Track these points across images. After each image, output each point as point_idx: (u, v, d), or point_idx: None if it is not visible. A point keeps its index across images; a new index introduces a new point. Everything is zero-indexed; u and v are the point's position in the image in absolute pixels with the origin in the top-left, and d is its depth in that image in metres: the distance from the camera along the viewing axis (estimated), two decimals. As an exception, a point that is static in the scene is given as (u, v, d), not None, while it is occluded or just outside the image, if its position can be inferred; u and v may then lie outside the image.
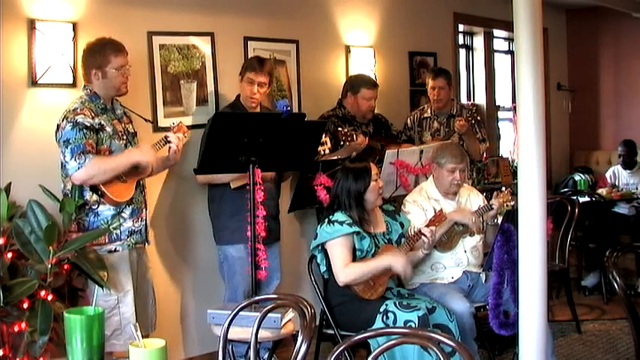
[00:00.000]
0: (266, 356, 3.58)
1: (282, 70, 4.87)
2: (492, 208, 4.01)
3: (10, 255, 3.11)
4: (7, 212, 3.20)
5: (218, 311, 3.37)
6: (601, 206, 6.06)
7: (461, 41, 6.82)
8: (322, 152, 4.21)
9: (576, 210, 5.13)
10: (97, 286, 2.97)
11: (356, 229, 3.60)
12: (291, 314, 3.31)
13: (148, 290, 3.68)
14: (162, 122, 4.11)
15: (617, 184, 6.49)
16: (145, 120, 3.85)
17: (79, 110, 3.36)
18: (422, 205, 4.04)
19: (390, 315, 3.45)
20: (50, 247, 3.08)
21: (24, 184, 3.39)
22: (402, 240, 3.80)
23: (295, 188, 4.46)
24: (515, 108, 3.32)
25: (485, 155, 5.50)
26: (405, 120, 5.33)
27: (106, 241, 3.43)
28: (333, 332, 3.72)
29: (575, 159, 7.79)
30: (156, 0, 4.21)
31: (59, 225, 3.23)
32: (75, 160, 3.27)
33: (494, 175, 5.73)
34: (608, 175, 6.64)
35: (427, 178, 4.29)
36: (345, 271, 3.55)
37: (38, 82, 3.63)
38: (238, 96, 4.26)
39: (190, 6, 4.36)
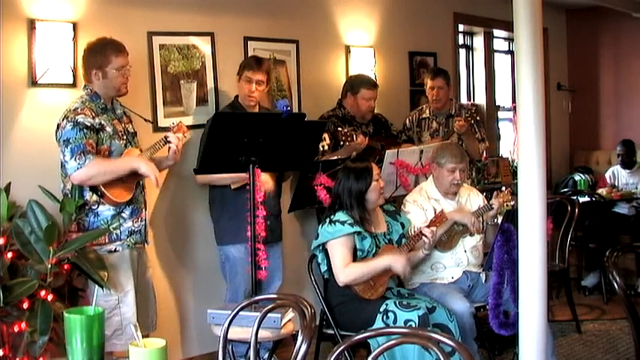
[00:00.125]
0: (266, 356, 3.58)
1: (282, 70, 4.87)
2: (492, 208, 4.01)
3: (10, 255, 3.11)
4: (7, 212, 3.20)
5: (218, 311, 3.37)
6: (601, 206, 6.06)
7: (461, 41, 6.82)
8: (321, 148, 4.21)
9: (576, 210, 5.13)
10: (97, 286, 2.97)
11: (357, 229, 3.60)
12: (291, 314, 3.31)
13: (147, 290, 3.68)
14: (162, 122, 4.11)
15: (616, 184, 6.50)
16: (145, 120, 3.86)
17: (79, 110, 3.36)
18: (422, 205, 4.04)
19: (391, 315, 3.45)
20: (50, 247, 3.08)
21: (24, 184, 3.39)
22: (403, 240, 3.80)
23: (295, 188, 4.46)
24: (515, 108, 3.32)
25: (485, 155, 5.50)
26: (403, 121, 5.33)
27: (106, 241, 3.43)
28: (333, 332, 3.72)
29: (575, 159, 7.79)
30: (156, 0, 4.21)
31: (59, 225, 3.23)
32: (75, 159, 3.27)
33: (494, 175, 5.73)
34: (607, 175, 6.64)
35: (427, 178, 4.29)
36: (345, 271, 3.55)
37: (38, 82, 3.63)
38: (236, 97, 4.27)
39: (190, 6, 4.36)
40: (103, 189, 3.36)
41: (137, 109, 3.78)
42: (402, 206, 4.10)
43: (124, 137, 3.54)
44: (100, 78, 3.46)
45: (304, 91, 4.99)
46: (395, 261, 3.59)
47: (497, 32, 7.12)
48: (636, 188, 6.38)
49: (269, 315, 2.66)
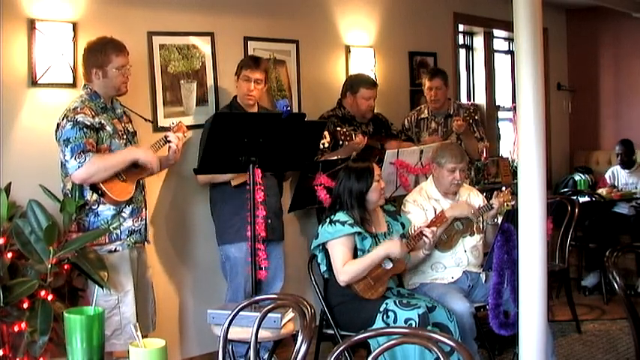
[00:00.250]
0: (266, 356, 3.57)
1: (282, 70, 4.87)
2: (492, 208, 4.01)
3: (10, 255, 3.11)
4: (7, 212, 3.21)
5: (218, 311, 3.37)
6: (601, 206, 6.06)
7: (461, 41, 6.82)
8: (322, 146, 4.21)
9: (576, 210, 5.13)
10: (97, 286, 2.97)
11: (357, 229, 3.60)
12: (291, 314, 3.31)
13: (147, 290, 3.69)
14: (162, 122, 4.11)
15: (616, 184, 6.50)
16: (145, 120, 3.86)
17: (79, 109, 3.36)
18: (422, 205, 4.05)
19: (391, 314, 3.45)
20: (50, 247, 3.08)
21: (24, 184, 3.39)
22: (404, 240, 3.79)
23: (295, 188, 4.47)
24: (515, 108, 3.31)
25: (485, 155, 5.50)
26: (402, 121, 5.32)
27: (106, 241, 3.43)
28: (333, 332, 3.72)
29: (575, 159, 7.79)
30: (156, 0, 4.21)
31: (59, 225, 3.23)
32: (75, 159, 3.27)
33: (494, 175, 5.73)
34: (607, 175, 6.64)
35: (427, 178, 4.29)
36: (345, 269, 3.55)
37: (38, 82, 3.63)
38: (235, 97, 4.27)
39: (190, 6, 4.36)
40: (103, 187, 3.36)
41: (137, 108, 3.78)
42: (402, 206, 4.10)
43: (124, 136, 3.55)
44: (101, 77, 3.46)
45: (304, 91, 4.99)
46: (390, 247, 3.59)
47: (497, 32, 7.12)
48: (636, 188, 6.38)
49: (269, 315, 2.66)
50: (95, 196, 3.40)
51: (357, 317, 3.58)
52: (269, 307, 2.56)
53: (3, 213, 3.19)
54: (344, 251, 3.58)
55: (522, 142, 2.81)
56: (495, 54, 7.26)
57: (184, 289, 4.36)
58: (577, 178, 7.12)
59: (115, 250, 3.46)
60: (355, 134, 4.50)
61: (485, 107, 7.04)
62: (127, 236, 3.50)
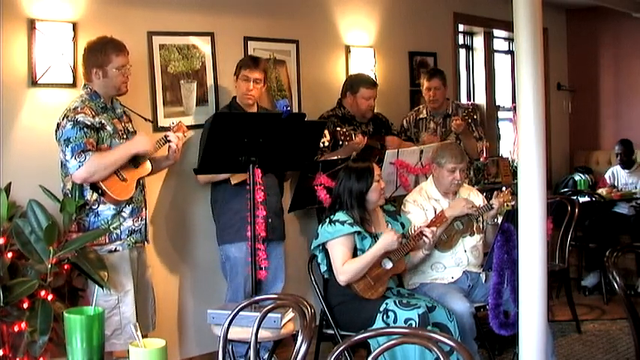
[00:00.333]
0: (266, 356, 3.58)
1: (282, 70, 4.87)
2: (492, 208, 4.01)
3: (10, 255, 3.11)
4: (7, 212, 3.21)
5: (218, 311, 3.37)
6: (601, 206, 6.06)
7: (461, 41, 6.81)
8: (322, 145, 4.21)
9: (576, 210, 5.13)
10: (97, 286, 2.97)
11: (357, 229, 3.60)
12: (291, 314, 3.31)
13: (147, 290, 3.69)
14: (162, 122, 4.11)
15: (616, 184, 6.50)
16: (145, 119, 3.86)
17: (79, 109, 3.36)
18: (422, 205, 4.05)
19: (391, 314, 3.45)
20: (50, 247, 3.08)
21: (24, 184, 3.39)
22: (403, 240, 3.79)
23: (295, 188, 4.47)
24: (515, 108, 3.32)
25: (484, 155, 5.50)
26: (400, 121, 5.32)
27: (106, 241, 3.43)
28: (333, 332, 3.72)
29: (575, 159, 7.79)
30: (156, 0, 4.21)
31: (59, 225, 3.23)
32: (75, 158, 3.27)
33: (494, 175, 5.73)
34: (607, 176, 6.64)
35: (427, 178, 4.29)
36: (344, 269, 3.55)
37: (38, 82, 3.63)
38: (234, 98, 4.27)
39: (190, 6, 4.36)
40: (103, 187, 3.36)
41: (137, 108, 3.78)
42: (402, 206, 4.11)
43: (124, 136, 3.55)
44: (101, 77, 3.46)
45: (304, 91, 4.99)
46: (386, 240, 3.57)
47: (497, 32, 7.12)
48: (636, 188, 6.39)
49: (269, 315, 2.66)
50: (95, 195, 3.40)
51: (357, 317, 3.58)
52: (269, 307, 2.56)
53: (3, 213, 3.19)
54: (344, 251, 3.58)
55: (522, 142, 2.81)
56: (495, 54, 7.26)
57: (184, 289, 4.36)
58: (577, 178, 7.12)
59: (115, 250, 3.46)
60: (355, 134, 4.50)
61: (485, 107, 7.04)
62: (127, 236, 3.50)
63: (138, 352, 1.88)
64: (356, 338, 2.13)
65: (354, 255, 3.61)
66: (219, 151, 3.52)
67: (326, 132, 4.26)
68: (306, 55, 5.00)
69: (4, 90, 3.53)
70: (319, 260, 3.72)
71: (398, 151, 4.49)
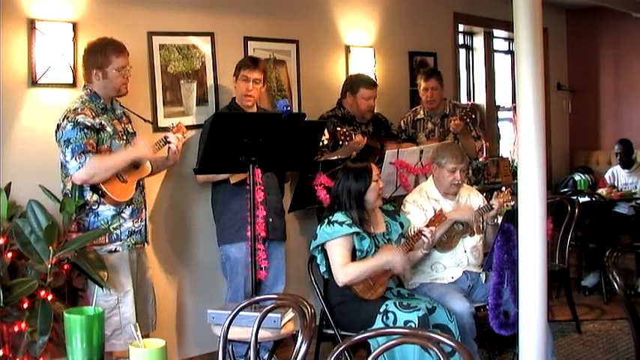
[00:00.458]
0: (266, 356, 3.57)
1: (282, 70, 4.87)
2: (492, 208, 4.01)
3: (10, 255, 3.11)
4: (7, 212, 3.21)
5: (218, 311, 3.36)
6: (601, 206, 6.06)
7: (461, 41, 6.82)
8: (321, 143, 4.21)
9: (576, 210, 5.13)
10: (97, 286, 2.97)
11: (356, 229, 3.60)
12: (291, 314, 3.31)
13: (147, 290, 3.69)
14: (162, 122, 4.11)
15: (616, 184, 6.50)
16: (145, 120, 3.85)
17: (79, 110, 3.36)
18: (422, 206, 4.04)
19: (390, 315, 3.45)
20: (50, 247, 3.08)
21: (24, 184, 3.39)
22: (402, 240, 3.80)
23: (295, 188, 4.46)
24: (515, 108, 3.32)
25: (484, 155, 5.50)
26: (398, 122, 5.32)
27: (106, 241, 3.43)
28: (333, 332, 3.72)
29: (575, 159, 7.79)
30: (156, 0, 4.21)
31: (59, 225, 3.23)
32: (75, 159, 3.27)
33: (494, 175, 5.73)
34: (607, 176, 6.65)
35: (427, 178, 4.29)
36: (344, 271, 3.55)
37: (38, 82, 3.63)
38: (233, 99, 4.27)
39: (190, 6, 4.36)
40: (104, 188, 3.36)
41: (137, 109, 3.78)
42: (402, 206, 4.10)
43: (124, 137, 3.55)
44: (101, 78, 3.46)
45: (304, 91, 4.99)
46: (393, 260, 3.59)
47: (497, 32, 7.12)
48: (636, 188, 6.39)
49: (269, 315, 2.66)
50: (95, 196, 3.40)
51: (357, 318, 3.58)
52: (269, 307, 2.56)
53: (3, 213, 3.19)
54: (342, 252, 3.58)
55: (522, 142, 2.81)
56: (495, 54, 7.26)
57: (184, 289, 4.36)
58: (577, 178, 7.12)
59: (115, 251, 3.46)
60: (355, 134, 4.50)
61: (485, 107, 7.04)
62: (127, 237, 3.50)
63: (138, 352, 1.88)
64: (356, 338, 2.13)
65: (353, 255, 3.61)
66: (219, 151, 3.52)
67: (325, 131, 4.26)
68: (306, 55, 5.00)
69: (4, 90, 3.53)
70: (318, 261, 3.72)
71: (398, 151, 4.49)
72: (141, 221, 3.59)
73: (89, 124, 3.34)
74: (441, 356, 1.88)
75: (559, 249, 5.12)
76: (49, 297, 3.06)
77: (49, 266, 3.08)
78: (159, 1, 4.22)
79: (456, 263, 3.99)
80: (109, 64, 3.44)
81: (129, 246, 3.51)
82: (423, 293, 3.87)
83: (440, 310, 3.57)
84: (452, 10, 6.30)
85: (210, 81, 4.42)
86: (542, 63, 2.82)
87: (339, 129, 4.48)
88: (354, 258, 3.61)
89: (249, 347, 2.41)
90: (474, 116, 5.12)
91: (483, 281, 3.99)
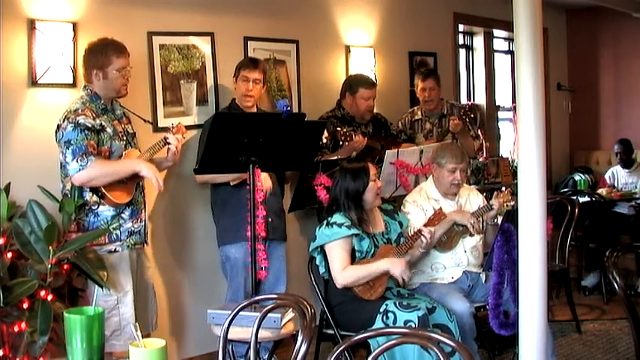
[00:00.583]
0: (266, 356, 3.57)
1: (282, 70, 4.87)
2: (492, 208, 4.01)
3: (10, 255, 3.11)
4: (7, 212, 3.20)
5: (218, 311, 3.36)
6: (601, 206, 6.06)
7: (461, 41, 6.82)
8: (322, 143, 4.21)
9: (576, 210, 5.13)
10: (96, 286, 2.97)
11: (355, 231, 3.59)
12: (291, 314, 3.31)
13: (147, 290, 3.68)
14: (162, 122, 4.11)
15: (616, 184, 6.51)
16: (145, 121, 3.85)
17: (80, 111, 3.36)
18: (422, 206, 4.04)
19: (390, 315, 3.45)
20: (50, 247, 3.08)
21: (24, 184, 3.39)
22: (401, 239, 3.79)
23: (295, 188, 4.46)
24: (515, 108, 3.32)
25: (484, 155, 5.50)
26: (396, 123, 5.32)
27: (106, 241, 3.43)
28: (333, 332, 3.72)
29: (575, 159, 7.79)
30: (156, 0, 4.21)
31: (59, 225, 3.23)
32: (76, 161, 3.27)
33: (494, 175, 5.73)
34: (607, 176, 6.65)
35: (427, 178, 4.28)
36: (343, 274, 3.55)
37: (38, 82, 3.63)
38: (233, 99, 4.27)
39: (190, 6, 4.36)
40: (103, 190, 3.36)
41: (137, 109, 3.78)
42: (402, 206, 4.10)
43: (124, 138, 3.54)
44: (101, 78, 3.45)
45: (304, 91, 4.99)
46: (393, 267, 3.58)
47: (497, 32, 7.12)
48: (636, 188, 6.39)
49: (269, 315, 2.66)
50: (95, 196, 3.40)
51: (356, 318, 3.57)
52: (269, 307, 2.56)
53: (3, 213, 3.19)
54: (342, 255, 3.57)
55: (522, 142, 2.81)
56: (495, 54, 7.26)
57: (184, 289, 4.36)
58: (577, 178, 7.12)
59: (115, 251, 3.45)
60: (355, 134, 4.50)
61: (485, 107, 7.04)
62: (127, 237, 3.50)
63: (138, 352, 1.88)
64: (356, 338, 2.13)
65: (353, 256, 3.60)
66: (220, 151, 3.52)
67: (325, 131, 4.26)
68: (306, 55, 5.00)
69: (4, 90, 3.53)
70: (318, 262, 3.71)
71: (398, 151, 4.49)
72: (140, 222, 3.59)
73: (90, 126, 3.34)
74: (440, 356, 1.88)
75: (559, 249, 5.13)
76: (49, 297, 3.05)
77: (49, 266, 3.08)
78: (159, 1, 4.22)
79: (456, 263, 3.99)
80: (110, 64, 3.44)
81: (129, 246, 3.50)
82: (423, 293, 3.87)
83: (440, 310, 3.57)
84: (452, 10, 6.30)
85: (210, 81, 4.43)
86: (542, 63, 2.82)
87: (339, 129, 4.48)
88: (353, 258, 3.61)
89: (249, 347, 2.41)
90: (472, 116, 5.12)
91: (483, 281, 3.99)
